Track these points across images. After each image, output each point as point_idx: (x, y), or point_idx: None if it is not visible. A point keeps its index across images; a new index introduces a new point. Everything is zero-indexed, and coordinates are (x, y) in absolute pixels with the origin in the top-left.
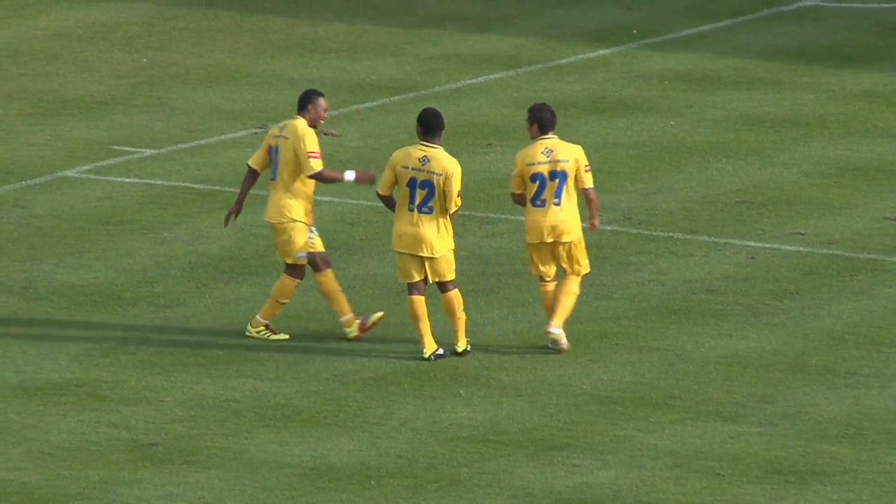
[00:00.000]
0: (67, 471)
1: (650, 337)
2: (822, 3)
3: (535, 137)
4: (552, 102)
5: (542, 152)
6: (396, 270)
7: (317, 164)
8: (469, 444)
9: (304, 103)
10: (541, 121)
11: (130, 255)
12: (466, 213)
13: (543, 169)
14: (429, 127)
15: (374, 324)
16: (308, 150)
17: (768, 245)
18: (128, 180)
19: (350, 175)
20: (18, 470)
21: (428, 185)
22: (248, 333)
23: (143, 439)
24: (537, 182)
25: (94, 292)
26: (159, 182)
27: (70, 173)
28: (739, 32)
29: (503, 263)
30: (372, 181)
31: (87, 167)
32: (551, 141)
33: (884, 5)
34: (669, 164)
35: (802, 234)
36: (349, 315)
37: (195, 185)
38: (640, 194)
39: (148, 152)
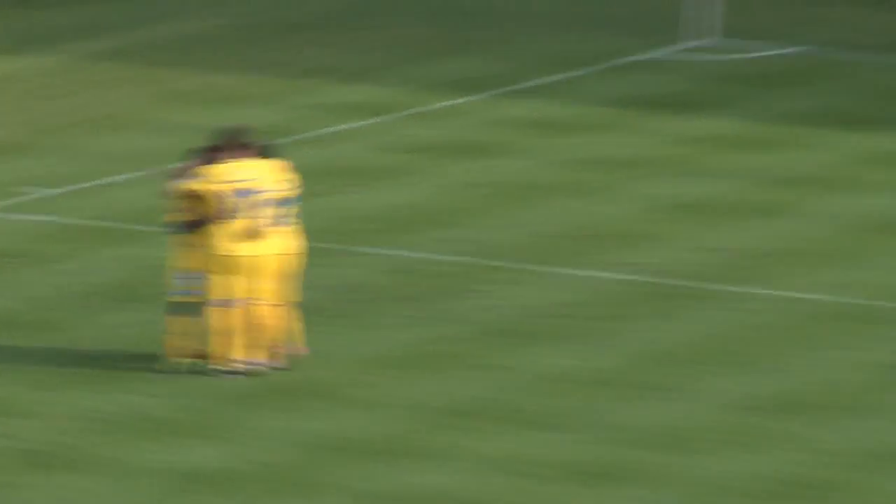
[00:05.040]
0: None
1: (484, 356)
2: (662, 57)
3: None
4: (415, 147)
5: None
6: None
7: None
8: (324, 452)
9: None
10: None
11: (29, 285)
12: (327, 245)
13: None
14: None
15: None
16: None
17: (604, 274)
18: (31, 217)
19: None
20: None
21: None
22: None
23: (32, 448)
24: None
25: None
26: (55, 219)
27: None
28: (588, 82)
29: (358, 291)
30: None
31: None
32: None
33: (719, 57)
34: (520, 201)
35: (636, 265)
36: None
37: (90, 222)
38: (491, 229)
39: (46, 192)
